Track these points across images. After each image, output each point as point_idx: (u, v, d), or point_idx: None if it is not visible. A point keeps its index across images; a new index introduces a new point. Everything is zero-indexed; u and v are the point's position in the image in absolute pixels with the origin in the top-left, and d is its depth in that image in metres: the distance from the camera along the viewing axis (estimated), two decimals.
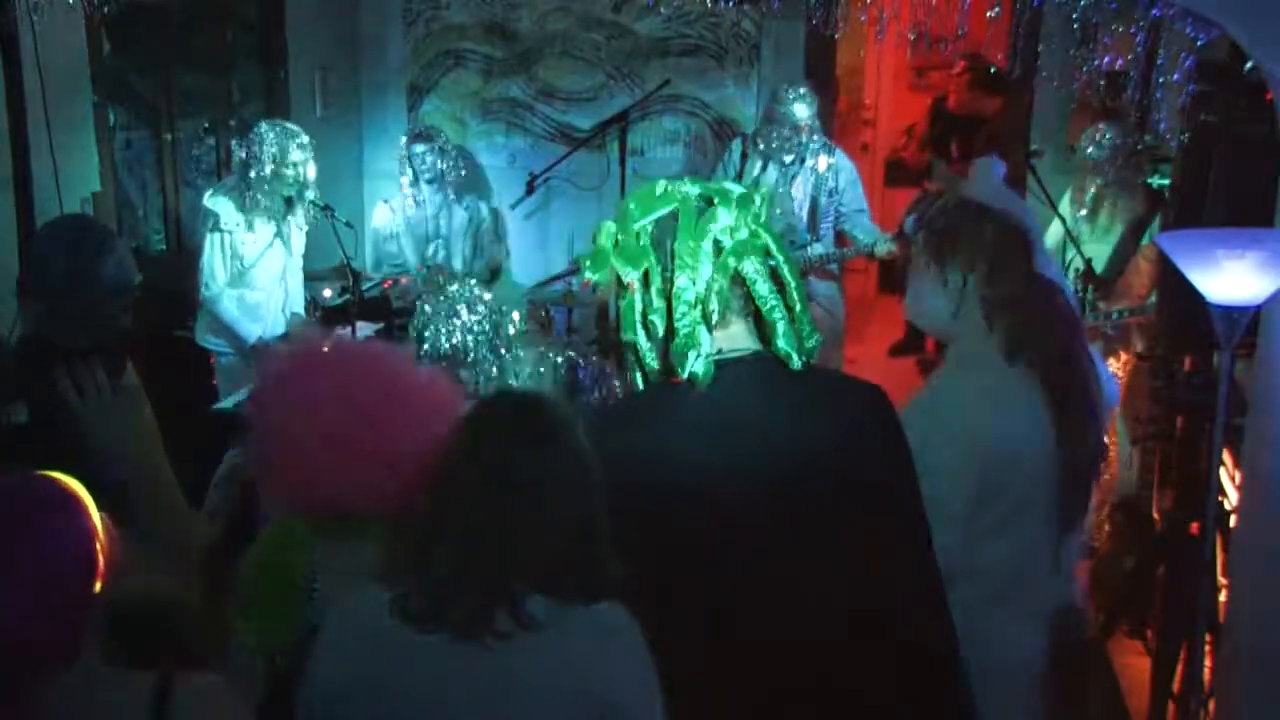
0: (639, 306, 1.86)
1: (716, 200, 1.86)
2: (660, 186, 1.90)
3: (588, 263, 1.93)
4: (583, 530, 1.65)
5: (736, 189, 1.89)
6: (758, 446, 1.80)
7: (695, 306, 1.81)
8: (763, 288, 1.84)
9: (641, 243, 1.86)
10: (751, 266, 1.84)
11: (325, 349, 2.09)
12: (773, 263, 1.87)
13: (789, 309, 1.85)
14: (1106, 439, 2.54)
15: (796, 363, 1.84)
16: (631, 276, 1.85)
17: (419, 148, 5.33)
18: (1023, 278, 2.22)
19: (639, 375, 1.90)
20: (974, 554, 2.18)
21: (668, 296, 1.83)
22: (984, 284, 2.22)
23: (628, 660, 1.64)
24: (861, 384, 1.94)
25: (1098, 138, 4.56)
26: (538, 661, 1.61)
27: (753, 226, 1.86)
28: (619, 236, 1.89)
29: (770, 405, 1.84)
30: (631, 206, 1.89)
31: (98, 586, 1.53)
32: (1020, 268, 2.22)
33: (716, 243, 1.83)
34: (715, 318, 1.81)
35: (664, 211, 1.87)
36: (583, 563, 1.64)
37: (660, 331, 1.85)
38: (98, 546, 1.54)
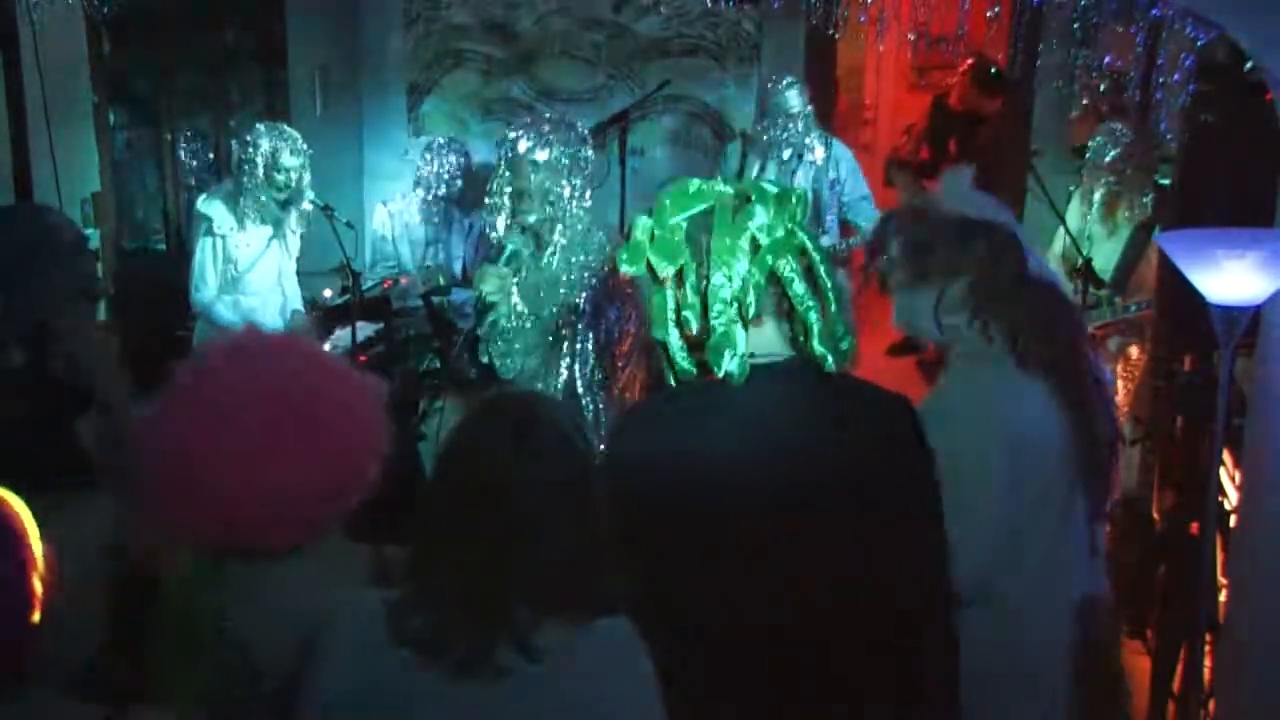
0: (671, 304, 1.84)
1: (754, 198, 1.83)
2: (694, 184, 1.88)
3: (624, 256, 1.88)
4: (585, 545, 1.60)
5: (773, 188, 1.86)
6: (784, 453, 1.78)
7: (731, 304, 1.79)
8: (799, 287, 1.81)
9: (677, 238, 1.84)
10: (788, 266, 1.81)
11: (240, 354, 1.82)
12: (808, 262, 1.84)
13: (824, 309, 1.83)
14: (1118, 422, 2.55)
15: (830, 364, 1.82)
16: (667, 271, 1.82)
17: (448, 164, 5.24)
18: (1015, 280, 2.23)
19: (670, 373, 1.87)
20: (1010, 549, 2.18)
21: (703, 294, 1.81)
22: (979, 293, 2.23)
23: (630, 677, 1.60)
24: (890, 395, 1.91)
25: (1115, 136, 4.55)
26: (539, 685, 1.56)
27: (789, 225, 1.83)
28: (655, 231, 1.86)
29: (799, 413, 1.82)
30: (667, 203, 1.86)
31: (36, 617, 1.45)
32: (1011, 270, 2.23)
33: (754, 240, 1.81)
34: (751, 312, 1.79)
35: (699, 209, 1.85)
36: (586, 579, 1.59)
37: (694, 329, 1.82)
38: (34, 577, 1.45)
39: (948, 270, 2.23)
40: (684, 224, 1.84)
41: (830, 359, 1.82)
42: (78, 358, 2.11)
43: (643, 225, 1.87)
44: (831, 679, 1.80)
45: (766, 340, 1.83)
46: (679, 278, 1.83)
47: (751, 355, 1.81)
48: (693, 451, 1.80)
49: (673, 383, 1.88)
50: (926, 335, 2.36)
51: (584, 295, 3.34)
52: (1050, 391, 2.23)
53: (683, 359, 1.84)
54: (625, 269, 1.87)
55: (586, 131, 3.58)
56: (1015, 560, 2.21)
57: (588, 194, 3.45)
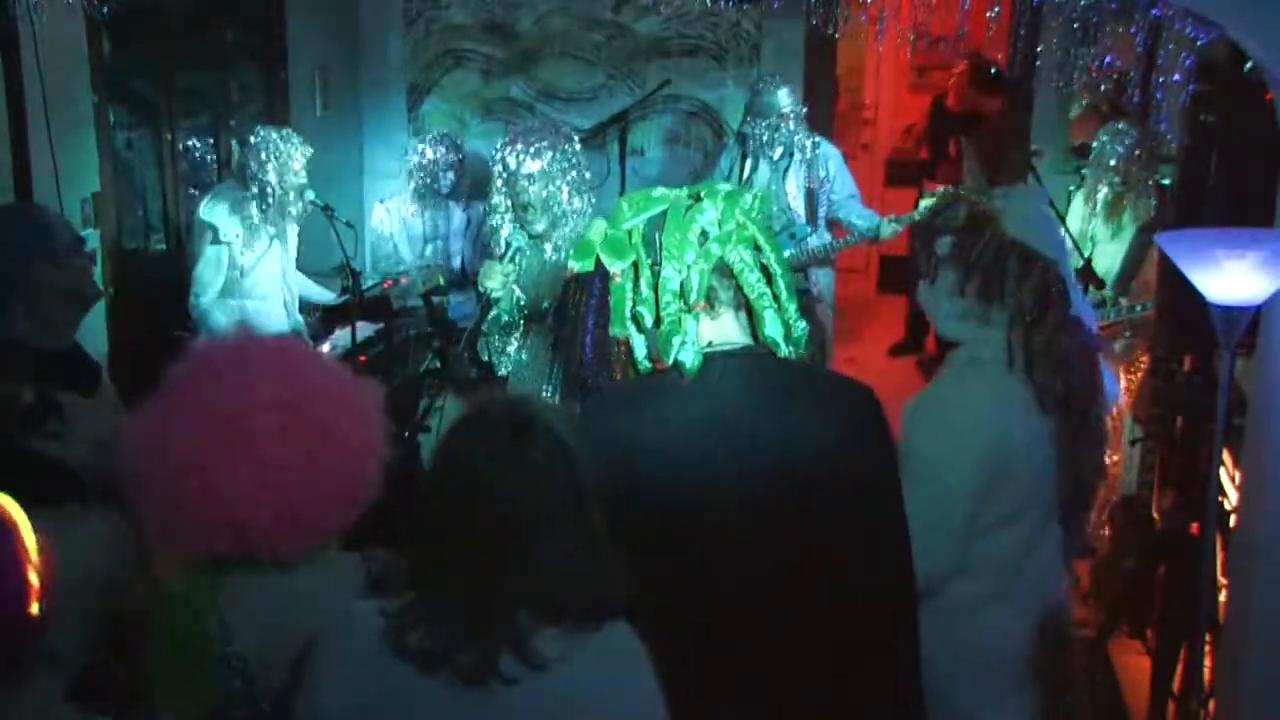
0: (628, 300, 1.90)
1: (704, 195, 1.92)
2: (657, 190, 1.95)
3: (572, 254, 1.97)
4: (584, 550, 1.58)
5: (726, 186, 1.94)
6: (743, 439, 1.82)
7: (680, 295, 1.85)
8: (750, 277, 1.88)
9: (633, 240, 1.91)
10: (739, 257, 1.88)
11: (237, 354, 1.81)
12: (760, 254, 1.91)
13: (775, 298, 1.89)
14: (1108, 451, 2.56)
15: (784, 350, 1.88)
16: (616, 266, 1.89)
17: (440, 158, 5.25)
18: (1060, 324, 2.23)
19: (631, 368, 1.93)
20: (973, 549, 2.20)
21: (656, 289, 1.87)
22: (1023, 326, 2.22)
23: (634, 684, 1.59)
24: (851, 382, 1.96)
25: (1120, 135, 4.54)
26: (543, 696, 1.54)
27: (740, 220, 1.90)
28: (608, 231, 1.93)
29: (758, 399, 1.86)
30: (624, 206, 1.95)
31: (34, 608, 1.47)
32: (1059, 315, 2.23)
33: (703, 233, 1.88)
34: (693, 296, 1.84)
35: (656, 211, 1.92)
36: (587, 585, 1.58)
37: (648, 324, 1.88)
38: (29, 571, 1.47)
39: (995, 295, 2.22)
40: (641, 226, 1.91)
41: (782, 345, 1.88)
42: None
43: (596, 226, 1.96)
44: (786, 655, 1.81)
45: (725, 331, 1.89)
46: (635, 275, 1.89)
47: (709, 344, 1.87)
48: (644, 437, 1.83)
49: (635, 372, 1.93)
50: (945, 335, 2.35)
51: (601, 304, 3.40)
52: (1052, 423, 2.24)
53: (642, 356, 1.90)
54: (573, 265, 1.96)
55: (569, 129, 3.61)
56: (979, 562, 2.22)
57: (584, 186, 3.47)
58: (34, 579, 1.48)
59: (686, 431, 1.82)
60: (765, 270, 1.90)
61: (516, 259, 3.48)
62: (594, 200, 3.58)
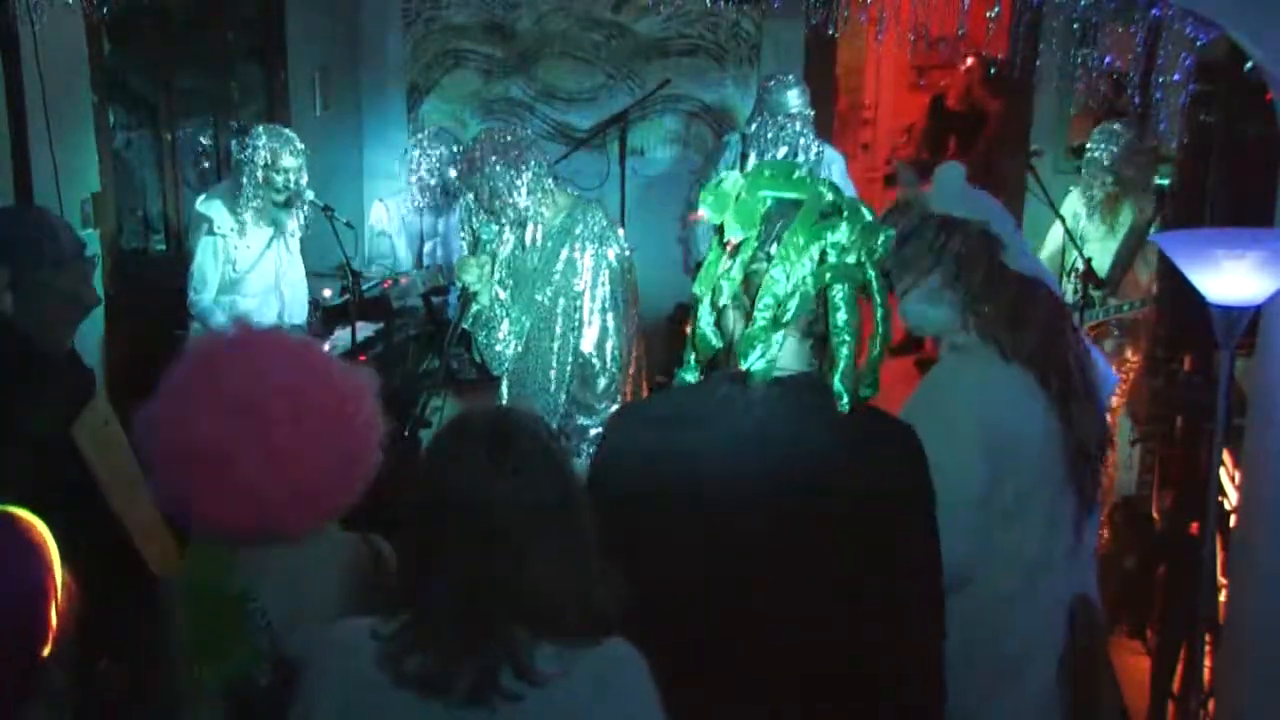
0: (718, 266, 1.82)
1: (845, 212, 1.79)
2: (800, 171, 1.86)
3: (710, 198, 1.83)
4: (578, 558, 1.56)
5: (869, 215, 1.82)
6: (781, 470, 1.75)
7: (777, 304, 1.76)
8: (841, 318, 1.77)
9: (760, 208, 1.80)
10: (841, 292, 1.77)
11: (238, 347, 1.87)
12: (867, 301, 1.80)
13: (862, 352, 1.78)
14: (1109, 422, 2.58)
15: (845, 406, 1.77)
16: (734, 235, 1.79)
17: (441, 154, 5.23)
18: (988, 276, 2.28)
19: (691, 332, 1.86)
20: (991, 544, 2.19)
21: (747, 276, 1.78)
22: (955, 288, 2.30)
23: (633, 700, 1.57)
24: (895, 422, 1.89)
25: (1113, 136, 4.53)
26: (543, 712, 1.52)
27: (863, 258, 1.79)
28: (744, 191, 1.82)
29: (801, 432, 1.78)
30: (766, 173, 1.84)
31: (45, 651, 1.42)
32: (985, 266, 2.28)
33: (824, 252, 1.77)
34: (787, 316, 1.75)
35: (790, 196, 1.80)
36: (583, 594, 1.55)
37: (723, 299, 1.80)
38: (51, 609, 1.43)
39: (922, 264, 2.31)
40: (770, 199, 1.80)
41: (845, 399, 1.77)
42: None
43: (734, 179, 1.84)
44: (803, 675, 1.77)
45: (783, 355, 1.80)
46: (736, 247, 1.80)
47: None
48: (690, 452, 1.77)
49: (690, 343, 1.86)
50: (916, 327, 2.42)
51: (603, 280, 3.44)
52: (1035, 385, 2.25)
53: (705, 322, 1.83)
54: (705, 210, 1.83)
55: (493, 129, 3.64)
56: (1003, 554, 2.22)
57: (542, 172, 3.47)
58: (54, 619, 1.44)
59: (726, 453, 1.76)
60: (866, 317, 1.80)
61: (488, 251, 3.52)
62: (569, 187, 3.62)
